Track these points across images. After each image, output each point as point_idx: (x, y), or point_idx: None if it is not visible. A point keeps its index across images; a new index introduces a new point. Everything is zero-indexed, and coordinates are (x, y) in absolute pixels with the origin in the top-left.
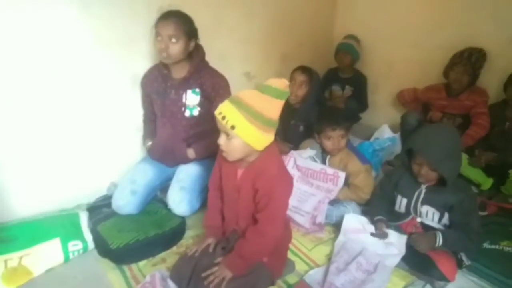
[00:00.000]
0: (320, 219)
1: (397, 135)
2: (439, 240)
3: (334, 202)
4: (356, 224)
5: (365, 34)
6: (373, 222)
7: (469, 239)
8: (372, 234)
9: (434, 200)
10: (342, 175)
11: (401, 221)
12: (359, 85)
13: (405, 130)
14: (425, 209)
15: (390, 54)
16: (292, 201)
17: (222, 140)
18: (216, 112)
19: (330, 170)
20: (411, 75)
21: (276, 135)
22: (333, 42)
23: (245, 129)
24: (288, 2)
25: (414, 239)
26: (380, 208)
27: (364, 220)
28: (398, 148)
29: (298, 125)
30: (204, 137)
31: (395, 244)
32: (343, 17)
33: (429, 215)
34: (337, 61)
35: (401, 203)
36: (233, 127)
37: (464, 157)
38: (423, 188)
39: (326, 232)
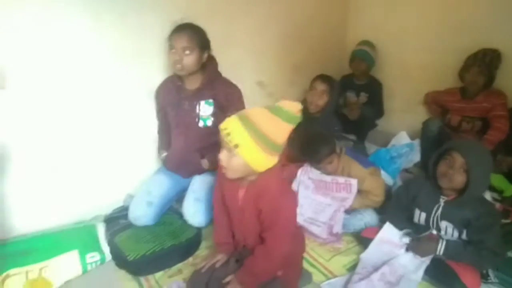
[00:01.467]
0: (337, 228)
1: (415, 142)
2: (441, 248)
3: (350, 211)
4: (393, 234)
5: (378, 40)
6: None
7: (480, 255)
8: (407, 249)
9: (452, 215)
10: (354, 182)
11: (419, 234)
12: (374, 92)
13: (427, 137)
14: (444, 224)
15: (404, 59)
16: (308, 213)
17: (223, 156)
18: (222, 127)
19: (341, 179)
20: (427, 79)
21: None
22: (346, 48)
23: (248, 150)
24: (299, 12)
25: (412, 245)
26: (399, 219)
27: (399, 233)
28: (416, 156)
29: None
30: (218, 147)
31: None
32: (355, 23)
33: (449, 231)
34: (352, 68)
35: (420, 216)
36: (236, 146)
37: None
38: (442, 203)
39: (344, 242)
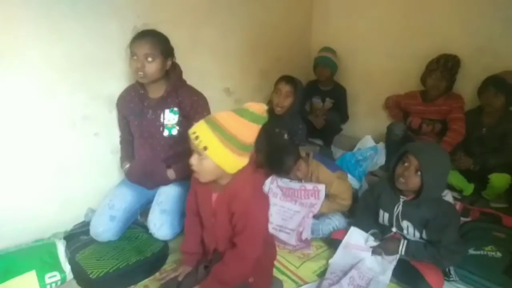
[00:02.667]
0: (306, 234)
1: (380, 145)
2: (402, 248)
3: (319, 216)
4: (359, 238)
5: (342, 46)
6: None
7: (439, 253)
8: (373, 252)
9: (412, 215)
10: (322, 188)
11: (385, 235)
12: (339, 97)
13: (392, 140)
14: (405, 224)
15: (367, 64)
16: (277, 220)
17: (194, 160)
18: (190, 132)
19: (309, 186)
20: (390, 84)
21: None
22: (311, 55)
23: (217, 151)
24: (264, 19)
25: (378, 246)
26: (367, 221)
27: (366, 235)
28: (381, 159)
29: (283, 133)
30: (184, 157)
31: (388, 259)
32: (320, 29)
33: (410, 231)
34: (316, 75)
35: (384, 217)
36: (205, 148)
37: None
38: (401, 202)
39: (314, 248)
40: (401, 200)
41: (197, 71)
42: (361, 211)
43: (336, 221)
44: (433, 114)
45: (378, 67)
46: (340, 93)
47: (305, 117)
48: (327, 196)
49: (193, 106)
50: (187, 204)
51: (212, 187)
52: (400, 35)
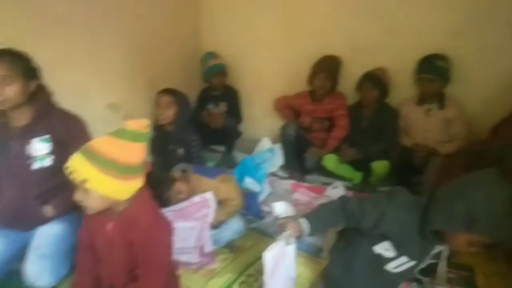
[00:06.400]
0: (208, 247)
1: (277, 146)
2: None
3: (218, 225)
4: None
5: (231, 51)
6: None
7: None
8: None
9: None
10: (209, 195)
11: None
12: (231, 99)
13: (286, 140)
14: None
15: (257, 67)
16: (175, 244)
17: (78, 195)
18: (65, 166)
19: (196, 199)
20: (280, 85)
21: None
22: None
23: (98, 181)
24: (148, 27)
25: None
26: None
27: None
28: (279, 159)
29: (176, 149)
30: (63, 189)
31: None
32: (209, 36)
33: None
34: (212, 83)
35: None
36: (84, 181)
37: (334, 157)
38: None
39: (219, 262)
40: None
41: (75, 89)
42: (339, 210)
43: (235, 224)
44: (322, 112)
45: (267, 69)
46: (232, 95)
47: (203, 124)
48: (218, 203)
49: (68, 131)
50: (78, 239)
51: (108, 215)
52: (283, 38)
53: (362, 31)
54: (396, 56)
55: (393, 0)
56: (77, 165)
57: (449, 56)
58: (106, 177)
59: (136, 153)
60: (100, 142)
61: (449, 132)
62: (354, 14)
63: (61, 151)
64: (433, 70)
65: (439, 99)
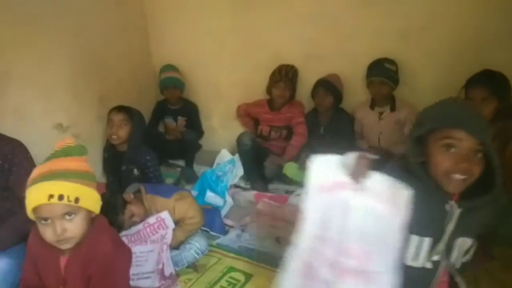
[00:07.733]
0: (168, 270)
1: (236, 157)
2: None
3: (179, 246)
4: (326, 171)
5: (185, 63)
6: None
7: None
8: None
9: (469, 226)
10: (165, 214)
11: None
12: (191, 114)
13: (243, 150)
14: (460, 242)
15: (213, 78)
16: (131, 270)
17: (60, 229)
18: (43, 197)
19: (152, 219)
20: (237, 95)
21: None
22: (155, 74)
23: (87, 195)
24: (93, 41)
25: None
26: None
27: (337, 160)
28: (240, 170)
29: (131, 169)
30: (4, 219)
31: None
32: (159, 50)
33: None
34: (165, 96)
35: (421, 248)
36: (77, 200)
37: (294, 165)
38: (457, 212)
39: (182, 283)
40: (456, 208)
41: (16, 110)
42: None
43: (196, 242)
44: (280, 121)
45: (223, 80)
46: (191, 110)
47: (159, 138)
48: (176, 223)
49: (8, 158)
50: (22, 278)
51: (59, 250)
52: (234, 49)
53: (314, 39)
54: (349, 62)
55: (344, 8)
56: (64, 189)
57: (398, 60)
58: (89, 189)
59: (87, 165)
60: (61, 162)
61: (402, 134)
62: (305, 22)
63: (2, 179)
64: (382, 73)
65: (391, 102)
